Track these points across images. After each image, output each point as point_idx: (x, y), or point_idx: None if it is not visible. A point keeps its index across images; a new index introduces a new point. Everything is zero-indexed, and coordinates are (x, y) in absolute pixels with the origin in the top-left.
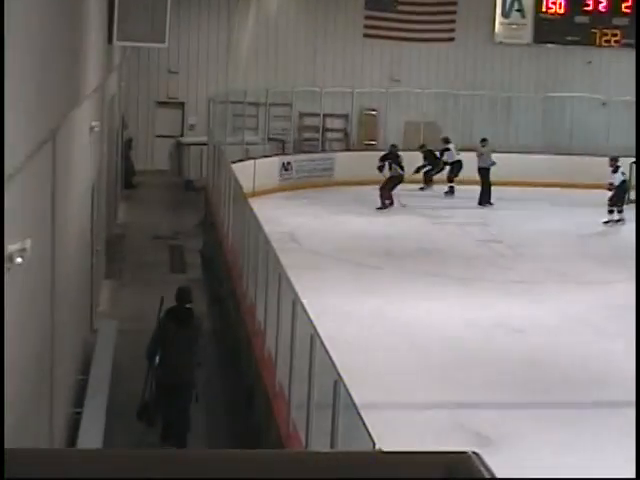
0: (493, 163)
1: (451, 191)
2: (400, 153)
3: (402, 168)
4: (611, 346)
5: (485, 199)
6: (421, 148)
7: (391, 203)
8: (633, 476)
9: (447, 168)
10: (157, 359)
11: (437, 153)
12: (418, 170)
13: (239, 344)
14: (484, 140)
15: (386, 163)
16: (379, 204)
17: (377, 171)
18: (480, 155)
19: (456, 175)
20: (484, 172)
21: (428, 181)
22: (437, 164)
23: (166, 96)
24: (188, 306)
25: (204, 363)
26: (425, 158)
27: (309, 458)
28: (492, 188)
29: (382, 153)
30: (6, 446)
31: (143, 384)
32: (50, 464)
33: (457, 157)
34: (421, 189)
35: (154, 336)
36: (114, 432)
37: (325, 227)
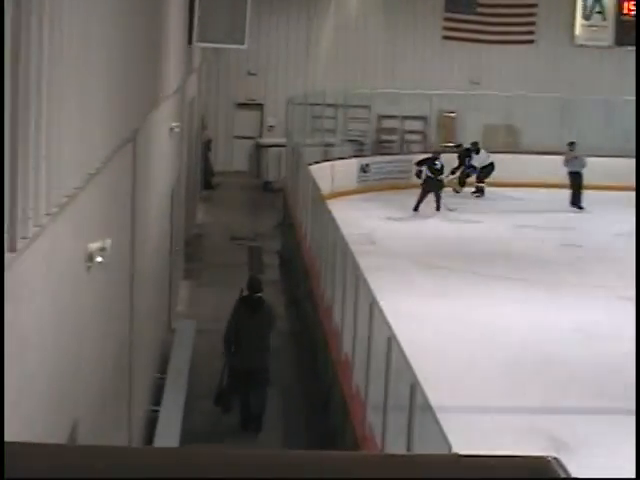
0: (583, 166)
1: (480, 191)
2: (440, 156)
3: (436, 172)
4: None
5: (576, 202)
6: (457, 147)
7: (415, 208)
8: (633, 476)
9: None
10: (233, 346)
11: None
12: (453, 172)
13: (316, 346)
14: (572, 143)
15: (423, 168)
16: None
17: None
18: (570, 159)
19: (486, 177)
20: (575, 176)
21: (461, 183)
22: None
23: (245, 97)
24: (259, 295)
25: (279, 356)
26: (459, 158)
27: (385, 461)
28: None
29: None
30: (87, 443)
31: (221, 371)
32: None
33: (489, 160)
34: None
35: (229, 324)
36: (192, 427)
37: (403, 229)
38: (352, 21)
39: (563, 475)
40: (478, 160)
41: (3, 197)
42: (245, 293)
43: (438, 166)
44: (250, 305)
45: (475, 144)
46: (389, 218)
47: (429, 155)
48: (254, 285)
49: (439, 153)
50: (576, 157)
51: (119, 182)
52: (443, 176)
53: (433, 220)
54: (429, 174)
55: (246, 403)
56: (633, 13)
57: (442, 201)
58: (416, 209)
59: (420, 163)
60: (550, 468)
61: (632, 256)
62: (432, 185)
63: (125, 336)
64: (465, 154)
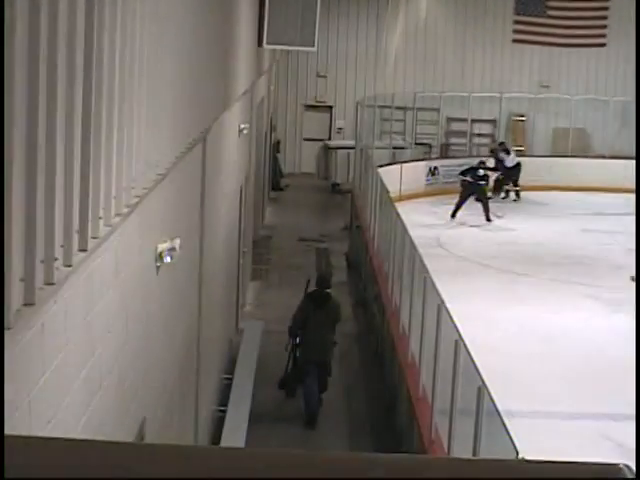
0: None
1: (517, 195)
2: (486, 163)
3: (477, 178)
4: None
5: None
6: (492, 152)
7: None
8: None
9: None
10: (298, 337)
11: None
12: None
13: (383, 348)
14: None
15: (467, 177)
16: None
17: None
18: None
19: (515, 179)
20: None
21: (496, 188)
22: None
23: (314, 99)
24: (327, 290)
25: (346, 357)
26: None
27: (451, 465)
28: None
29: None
30: (152, 441)
31: (287, 358)
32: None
33: (515, 161)
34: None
35: (296, 315)
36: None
37: (471, 233)
38: (421, 23)
39: None
40: (510, 162)
41: (3, 198)
42: (312, 287)
43: (481, 173)
44: (318, 300)
45: (502, 144)
46: (458, 222)
47: (474, 164)
48: (323, 281)
49: (483, 162)
50: None
51: (189, 183)
52: (484, 182)
53: (502, 224)
54: (470, 180)
55: (310, 393)
56: None
57: (490, 210)
58: (454, 216)
59: (464, 173)
60: (621, 475)
61: None
62: (472, 190)
63: (193, 336)
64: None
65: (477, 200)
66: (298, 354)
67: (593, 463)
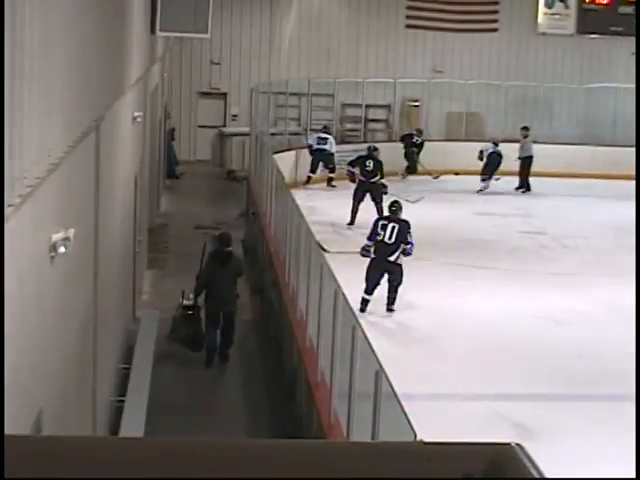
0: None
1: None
2: (376, 152)
3: (367, 174)
4: None
5: (525, 187)
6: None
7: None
8: (634, 476)
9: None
10: (203, 295)
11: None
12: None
13: (281, 333)
14: (525, 128)
15: (356, 170)
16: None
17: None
18: (523, 145)
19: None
20: (526, 161)
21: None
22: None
23: (208, 86)
24: (228, 249)
25: (244, 343)
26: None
27: (349, 448)
28: (536, 179)
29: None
30: (50, 433)
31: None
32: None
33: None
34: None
35: (201, 275)
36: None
37: (367, 218)
38: (315, 9)
39: (526, 462)
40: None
41: (3, 199)
42: (211, 248)
43: (369, 167)
44: (221, 259)
45: (419, 131)
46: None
47: (364, 152)
48: (223, 240)
49: (376, 149)
50: (526, 143)
51: (82, 172)
52: (377, 178)
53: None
54: (361, 178)
55: (212, 341)
56: (595, 1)
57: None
58: (351, 223)
59: (352, 164)
60: (513, 455)
61: (599, 243)
62: (366, 188)
63: (89, 326)
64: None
65: (372, 200)
66: (206, 309)
67: (487, 443)
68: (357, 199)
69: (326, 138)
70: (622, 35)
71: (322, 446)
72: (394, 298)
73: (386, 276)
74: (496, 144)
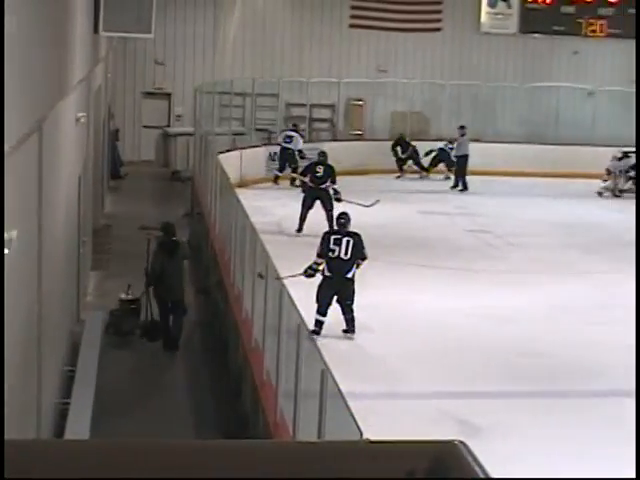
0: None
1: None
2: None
3: (316, 180)
4: (600, 336)
5: (462, 185)
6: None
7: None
8: (633, 475)
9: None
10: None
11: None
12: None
13: (227, 333)
14: (462, 127)
15: (307, 179)
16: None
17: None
18: (460, 143)
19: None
20: (462, 159)
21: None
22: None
23: (152, 87)
24: (174, 238)
25: (189, 344)
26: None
27: (296, 448)
28: (480, 178)
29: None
30: None
31: (145, 308)
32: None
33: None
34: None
35: (153, 265)
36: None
37: (312, 217)
38: (259, 9)
39: (469, 459)
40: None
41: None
42: (156, 242)
43: (319, 173)
44: (168, 248)
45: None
46: (299, 206)
47: (314, 159)
48: (169, 230)
49: (324, 154)
50: (462, 142)
51: (25, 173)
52: (327, 184)
53: (342, 208)
54: (310, 184)
55: (167, 328)
56: (538, 1)
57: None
58: (300, 230)
59: (303, 173)
60: (456, 452)
61: (543, 241)
62: (315, 195)
63: (33, 328)
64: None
65: (323, 207)
66: (157, 299)
67: (431, 441)
68: (306, 206)
69: (292, 136)
70: (564, 34)
71: (268, 446)
72: (353, 319)
73: (335, 297)
74: (451, 142)
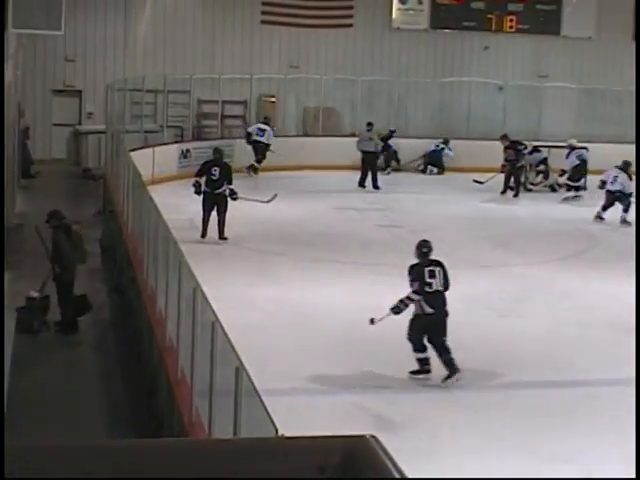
0: (376, 146)
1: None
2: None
3: (212, 183)
4: (515, 328)
5: (374, 183)
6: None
7: None
8: (633, 476)
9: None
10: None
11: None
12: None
13: (141, 332)
14: (370, 124)
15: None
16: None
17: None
18: (367, 139)
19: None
20: (370, 156)
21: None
22: None
23: (63, 84)
24: (64, 221)
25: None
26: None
27: (211, 445)
28: (393, 173)
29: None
30: None
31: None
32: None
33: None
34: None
35: (62, 250)
36: None
37: (227, 214)
38: (170, 5)
39: (380, 453)
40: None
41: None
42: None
43: (215, 176)
44: (65, 231)
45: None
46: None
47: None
48: (58, 215)
49: (218, 151)
50: (371, 138)
51: None
52: (223, 189)
53: (255, 204)
54: (205, 188)
55: (66, 310)
56: None
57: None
58: (203, 236)
59: (199, 173)
60: (367, 446)
61: (455, 236)
62: (214, 201)
63: None
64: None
65: (217, 211)
66: (61, 280)
67: (343, 436)
68: (206, 210)
69: (264, 130)
70: (474, 30)
71: (183, 444)
72: (452, 358)
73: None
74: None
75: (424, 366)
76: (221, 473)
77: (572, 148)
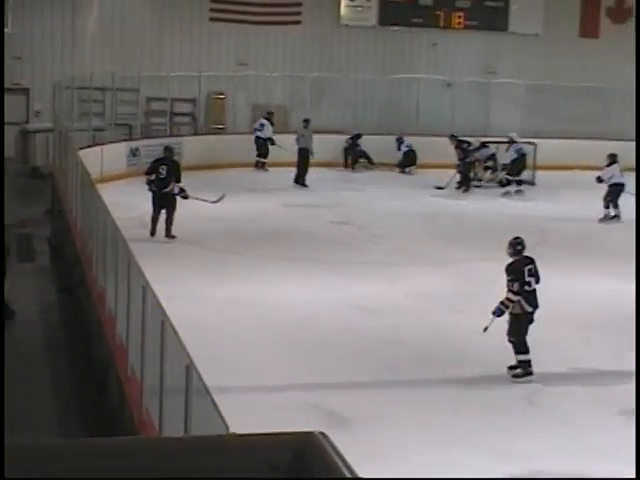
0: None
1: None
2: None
3: (159, 182)
4: (466, 324)
5: (301, 180)
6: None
7: None
8: (633, 475)
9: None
10: None
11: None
12: None
13: (90, 331)
14: (306, 121)
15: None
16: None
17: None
18: (301, 136)
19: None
20: (304, 153)
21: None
22: None
23: (10, 82)
24: None
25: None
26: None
27: (161, 444)
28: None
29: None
30: None
31: None
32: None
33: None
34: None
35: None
36: None
37: (178, 212)
38: (118, 3)
39: (329, 449)
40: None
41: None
42: None
43: (163, 174)
44: None
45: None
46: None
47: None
48: None
49: (169, 149)
50: (303, 135)
51: None
52: (170, 187)
53: (206, 202)
54: (154, 188)
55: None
56: None
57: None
58: (152, 234)
59: (149, 171)
60: (317, 443)
61: (405, 232)
62: (162, 202)
63: None
64: None
65: (165, 209)
66: None
67: (293, 433)
68: (156, 208)
69: (263, 124)
70: (423, 27)
71: (133, 443)
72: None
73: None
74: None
75: (527, 368)
76: (171, 471)
77: (512, 142)
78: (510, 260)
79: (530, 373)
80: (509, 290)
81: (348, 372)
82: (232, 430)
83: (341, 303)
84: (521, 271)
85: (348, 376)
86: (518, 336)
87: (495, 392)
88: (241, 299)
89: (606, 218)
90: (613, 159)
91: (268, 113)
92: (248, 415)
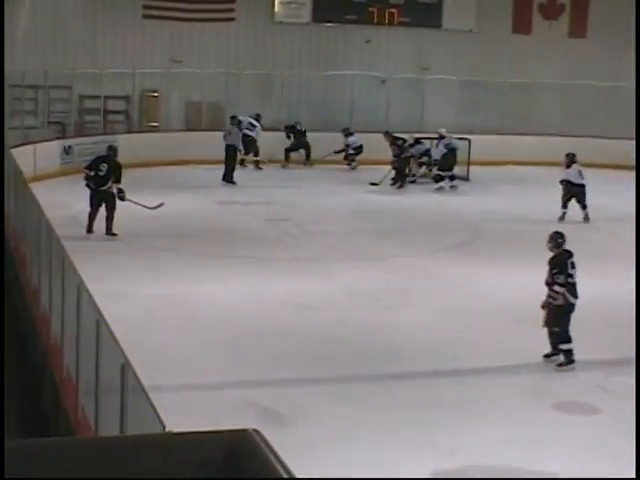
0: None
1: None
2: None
3: (98, 182)
4: (400, 319)
5: (228, 177)
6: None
7: None
8: (633, 476)
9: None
10: None
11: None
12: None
13: (25, 331)
14: (233, 117)
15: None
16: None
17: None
18: (228, 133)
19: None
20: (231, 149)
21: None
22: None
23: None
24: None
25: None
26: None
27: (97, 443)
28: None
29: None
30: None
31: None
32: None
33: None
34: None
35: None
36: None
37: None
38: (50, 0)
39: (262, 446)
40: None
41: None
42: None
43: (102, 172)
44: None
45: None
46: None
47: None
48: None
49: (112, 148)
50: (230, 132)
51: None
52: (109, 185)
53: (141, 200)
54: (92, 186)
55: None
56: None
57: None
58: (89, 231)
59: (90, 167)
60: (251, 440)
61: (340, 229)
62: (101, 198)
63: None
64: None
65: (105, 208)
66: None
67: (226, 431)
68: (93, 205)
69: (255, 126)
70: (356, 23)
71: (69, 443)
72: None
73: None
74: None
75: (570, 357)
76: (104, 471)
77: (441, 137)
78: (551, 254)
79: (573, 361)
80: (554, 282)
81: (283, 369)
82: (168, 429)
83: (276, 300)
84: (564, 264)
85: (283, 373)
86: (562, 326)
87: (430, 388)
88: (177, 298)
89: (564, 217)
90: (572, 159)
91: (257, 115)
92: (185, 414)
